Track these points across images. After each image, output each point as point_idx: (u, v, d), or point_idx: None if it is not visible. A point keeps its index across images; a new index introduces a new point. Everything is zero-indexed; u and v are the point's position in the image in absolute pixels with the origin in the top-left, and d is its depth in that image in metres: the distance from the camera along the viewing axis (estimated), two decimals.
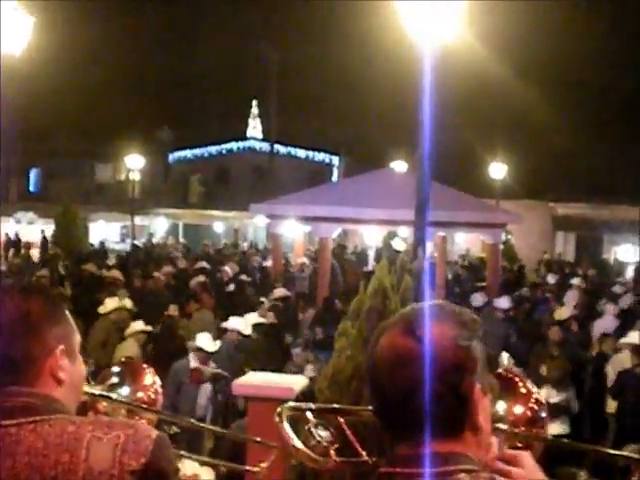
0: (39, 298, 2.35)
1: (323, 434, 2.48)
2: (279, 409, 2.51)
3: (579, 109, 44.09)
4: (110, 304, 13.82)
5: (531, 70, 42.24)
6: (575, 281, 21.68)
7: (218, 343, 11.18)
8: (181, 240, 46.32)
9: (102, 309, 13.77)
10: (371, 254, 27.16)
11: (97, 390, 3.31)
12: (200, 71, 56.08)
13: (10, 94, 9.32)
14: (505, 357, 10.93)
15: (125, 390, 3.56)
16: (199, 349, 10.66)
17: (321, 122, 51.95)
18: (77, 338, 2.46)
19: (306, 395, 7.96)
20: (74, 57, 45.63)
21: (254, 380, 7.90)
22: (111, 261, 26.29)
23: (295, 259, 25.22)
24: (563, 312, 15.03)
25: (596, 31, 43.52)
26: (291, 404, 2.59)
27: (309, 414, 2.51)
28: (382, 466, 2.03)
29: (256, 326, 13.03)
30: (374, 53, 38.21)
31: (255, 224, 46.85)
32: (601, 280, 25.30)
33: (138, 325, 12.12)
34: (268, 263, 25.26)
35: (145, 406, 3.51)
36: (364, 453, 2.41)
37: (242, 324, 12.58)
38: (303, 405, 2.60)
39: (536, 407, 3.01)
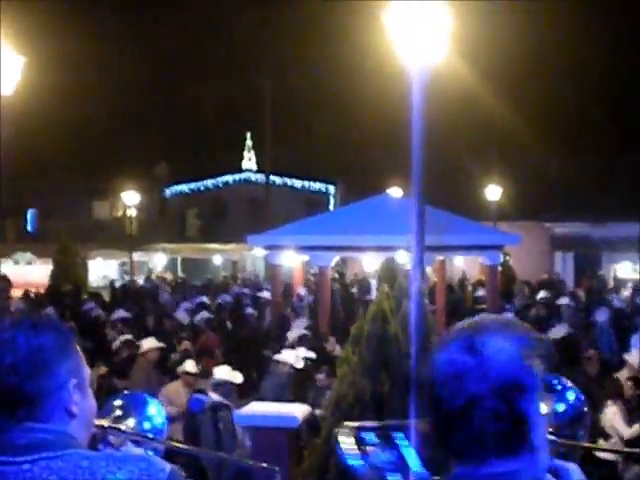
0: (50, 333, 2.35)
1: (383, 455, 2.44)
2: (335, 430, 2.48)
3: (572, 129, 44.26)
4: (147, 344, 13.77)
5: (523, 91, 42.46)
6: (563, 300, 21.75)
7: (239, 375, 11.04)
8: (180, 274, 46.39)
9: (140, 349, 13.74)
10: (373, 282, 27.07)
11: (105, 422, 3.32)
12: (193, 105, 56.27)
13: (3, 134, 9.36)
14: None
15: (131, 421, 3.56)
16: (221, 383, 10.49)
17: (316, 151, 52.07)
18: (87, 371, 2.46)
19: (310, 423, 7.96)
20: (68, 95, 45.77)
21: (257, 410, 7.90)
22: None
23: (294, 289, 25.23)
24: (559, 331, 14.95)
25: (588, 51, 43.72)
26: (347, 424, 2.55)
27: (367, 434, 2.46)
28: None
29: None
30: (366, 81, 38.46)
31: (253, 256, 46.88)
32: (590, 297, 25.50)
33: (188, 366, 12.00)
34: (264, 294, 25.31)
35: (152, 437, 3.52)
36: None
37: (294, 357, 12.42)
38: (357, 424, 2.55)
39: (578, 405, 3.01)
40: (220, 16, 57.22)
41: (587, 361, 12.87)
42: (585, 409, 3.38)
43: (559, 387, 3.49)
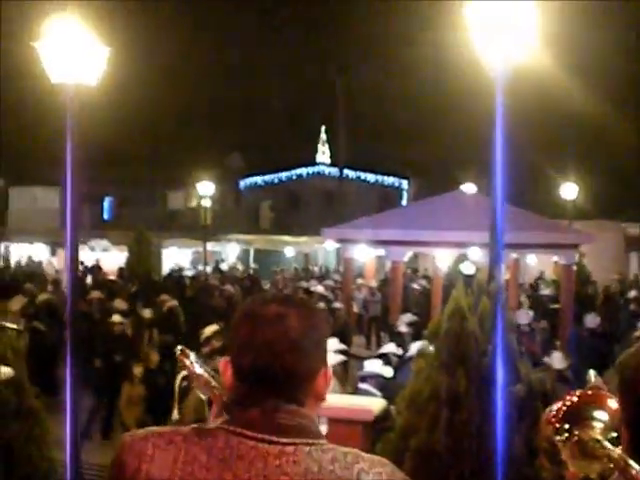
0: (318, 314, 2.36)
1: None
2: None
3: None
4: None
5: (602, 89, 41.87)
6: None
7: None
8: (252, 265, 46.74)
9: None
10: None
11: None
12: (269, 98, 56.56)
13: (85, 123, 9.50)
14: (592, 374, 10.77)
15: None
16: (372, 375, 10.41)
17: (389, 146, 52.03)
18: None
19: (384, 417, 7.97)
20: (146, 87, 46.30)
21: (334, 402, 7.96)
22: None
23: (367, 283, 25.25)
24: None
25: None
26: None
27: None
28: None
29: None
30: (442, 75, 38.27)
31: (325, 249, 46.98)
32: None
33: (330, 359, 11.73)
34: (319, 288, 25.42)
35: None
36: None
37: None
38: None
39: None
40: (299, 9, 57.43)
41: None
42: None
43: None
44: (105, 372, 15.11)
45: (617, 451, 2.37)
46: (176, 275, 34.24)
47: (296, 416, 2.23)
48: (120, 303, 19.71)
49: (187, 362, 2.53)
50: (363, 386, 10.25)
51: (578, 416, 2.49)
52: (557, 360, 12.17)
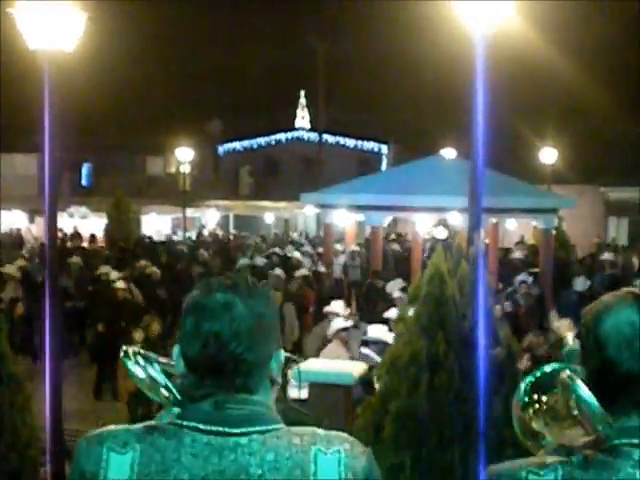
0: (266, 299, 2.32)
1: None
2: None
3: (633, 92, 43.57)
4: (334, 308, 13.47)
5: (583, 53, 41.85)
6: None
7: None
8: (232, 231, 46.72)
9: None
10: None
11: None
12: (248, 63, 56.25)
13: (62, 90, 9.44)
14: (570, 339, 10.83)
15: None
16: (375, 341, 10.42)
17: (369, 111, 51.92)
18: None
19: (365, 381, 8.04)
20: (125, 52, 45.97)
21: (315, 366, 8.01)
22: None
23: (347, 247, 25.26)
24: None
25: None
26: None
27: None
28: None
29: None
30: (422, 39, 38.12)
31: (305, 214, 46.97)
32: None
33: (339, 323, 11.43)
34: (295, 254, 25.55)
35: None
36: None
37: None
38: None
39: None
40: None
41: None
42: None
43: None
44: (106, 337, 15.22)
45: (567, 372, 2.38)
46: (148, 241, 34.00)
47: (248, 404, 2.22)
48: (104, 268, 19.68)
49: (130, 364, 2.45)
50: (365, 351, 10.27)
51: (547, 384, 2.48)
52: (565, 327, 12.10)
